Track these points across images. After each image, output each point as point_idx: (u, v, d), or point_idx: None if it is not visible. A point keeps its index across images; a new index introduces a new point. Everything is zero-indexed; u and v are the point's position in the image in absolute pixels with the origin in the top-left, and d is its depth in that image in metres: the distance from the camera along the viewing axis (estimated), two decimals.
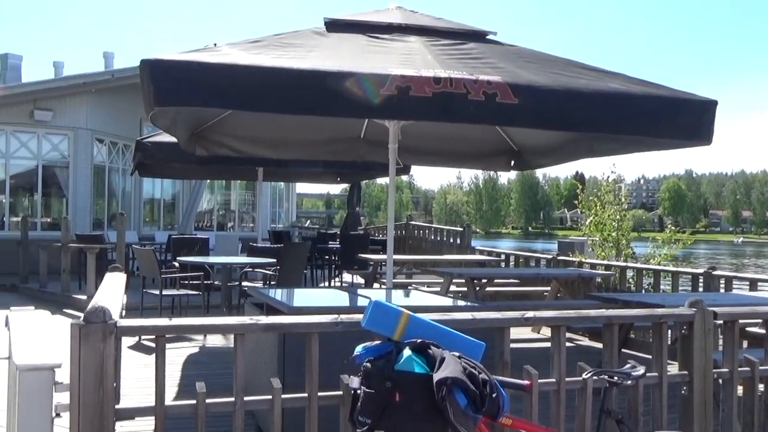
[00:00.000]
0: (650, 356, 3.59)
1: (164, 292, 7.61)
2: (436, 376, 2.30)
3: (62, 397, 2.51)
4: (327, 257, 13.22)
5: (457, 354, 2.43)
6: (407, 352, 2.41)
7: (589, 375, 2.93)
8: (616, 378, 2.74)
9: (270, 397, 2.67)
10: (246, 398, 2.63)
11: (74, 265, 11.45)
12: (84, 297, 10.30)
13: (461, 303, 4.19)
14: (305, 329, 2.69)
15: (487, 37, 6.28)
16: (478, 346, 2.57)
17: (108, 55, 19.82)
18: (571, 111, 5.08)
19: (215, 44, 5.61)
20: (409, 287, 9.85)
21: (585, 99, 5.07)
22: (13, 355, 2.48)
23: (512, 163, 8.59)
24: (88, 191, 15.58)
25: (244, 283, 8.44)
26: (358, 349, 2.54)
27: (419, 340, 2.46)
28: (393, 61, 5.15)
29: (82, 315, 2.90)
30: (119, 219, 9.88)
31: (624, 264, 10.20)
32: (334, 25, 6.07)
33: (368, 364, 2.43)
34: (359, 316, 2.71)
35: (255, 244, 9.90)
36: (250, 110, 5.95)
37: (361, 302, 4.35)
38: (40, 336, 2.65)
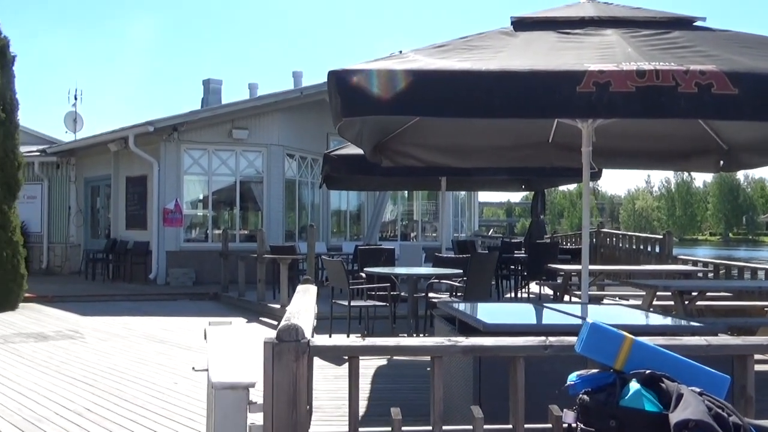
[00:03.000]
0: None
1: (352, 303, 7.66)
2: (674, 417, 1.92)
3: (256, 417, 2.43)
4: (513, 267, 12.81)
5: (697, 390, 2.03)
6: (635, 385, 2.05)
7: None
8: None
9: (470, 427, 2.41)
10: (445, 427, 2.40)
11: (268, 274, 12.00)
12: (278, 306, 10.73)
13: (693, 323, 3.67)
14: (510, 352, 2.41)
15: (695, 23, 5.64)
16: (722, 380, 2.14)
17: (297, 74, 20.81)
18: None
19: (401, 51, 5.52)
20: (604, 300, 9.20)
21: None
22: (209, 371, 2.44)
23: (721, 163, 7.72)
24: (280, 204, 16.38)
25: (431, 294, 8.31)
26: (572, 377, 2.21)
27: (647, 371, 2.09)
28: (589, 57, 4.74)
29: (277, 324, 2.92)
30: (309, 231, 10.20)
31: None
32: (522, 24, 5.74)
33: (586, 397, 2.10)
34: (571, 339, 2.39)
35: (441, 255, 9.75)
36: (437, 116, 5.79)
37: (563, 320, 3.98)
38: (236, 352, 2.60)
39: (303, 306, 3.46)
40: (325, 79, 4.84)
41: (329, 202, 18.62)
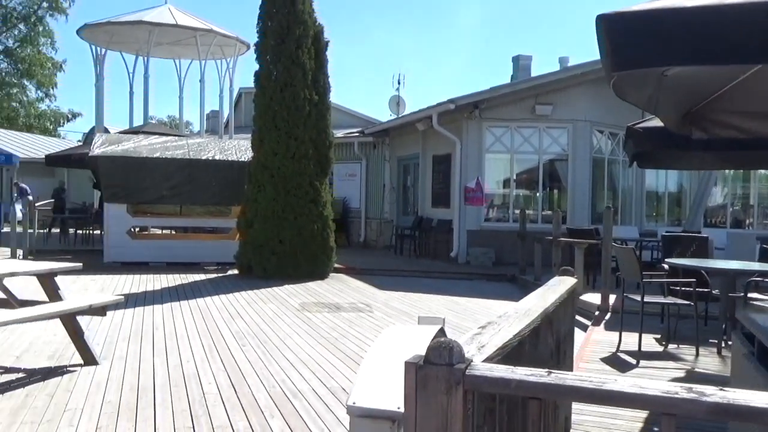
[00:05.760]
0: None
1: (647, 299, 6.54)
2: None
3: None
4: None
5: None
6: None
7: None
8: None
9: None
10: None
11: (565, 258, 11.13)
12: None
13: None
14: None
15: None
16: None
17: None
18: None
19: None
20: None
21: None
22: (353, 389, 1.89)
23: None
24: (586, 184, 15.26)
25: (752, 295, 6.77)
26: None
27: None
28: None
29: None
30: (606, 213, 9.11)
31: None
32: None
33: None
34: None
35: None
36: (742, 63, 4.51)
37: None
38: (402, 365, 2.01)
39: (522, 308, 2.74)
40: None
41: (644, 182, 16.89)
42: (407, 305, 9.73)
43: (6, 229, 15.06)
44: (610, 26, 3.73)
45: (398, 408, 1.81)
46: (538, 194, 15.92)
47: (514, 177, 15.84)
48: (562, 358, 3.77)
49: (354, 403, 1.76)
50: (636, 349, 6.43)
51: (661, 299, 7.00)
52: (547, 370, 1.64)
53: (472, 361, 1.71)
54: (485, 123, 15.03)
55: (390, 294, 10.79)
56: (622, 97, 4.84)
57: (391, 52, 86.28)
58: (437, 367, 1.63)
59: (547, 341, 3.16)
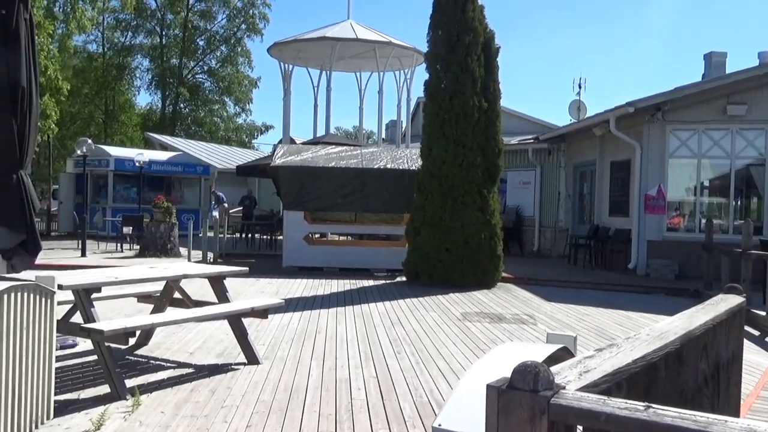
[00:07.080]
0: None
1: None
2: None
3: None
4: None
5: None
6: None
7: None
8: None
9: None
10: None
11: (757, 273, 10.07)
12: (763, 313, 8.90)
13: None
14: None
15: None
16: None
17: None
18: None
19: None
20: None
21: None
22: (442, 409, 1.79)
23: None
24: None
25: None
26: None
27: None
28: None
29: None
30: (745, 223, 8.04)
31: None
32: None
33: None
34: None
35: None
36: None
37: None
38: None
39: (658, 329, 2.46)
40: None
41: None
42: (573, 318, 9.29)
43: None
44: None
45: None
46: (729, 203, 14.57)
47: (704, 184, 14.64)
48: (723, 387, 3.37)
49: (440, 425, 1.66)
50: None
51: None
52: (645, 404, 1.44)
53: (563, 387, 1.55)
54: (669, 126, 14.01)
55: (556, 306, 10.37)
56: None
57: (572, 54, 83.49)
58: (520, 393, 1.49)
59: (697, 368, 2.83)
